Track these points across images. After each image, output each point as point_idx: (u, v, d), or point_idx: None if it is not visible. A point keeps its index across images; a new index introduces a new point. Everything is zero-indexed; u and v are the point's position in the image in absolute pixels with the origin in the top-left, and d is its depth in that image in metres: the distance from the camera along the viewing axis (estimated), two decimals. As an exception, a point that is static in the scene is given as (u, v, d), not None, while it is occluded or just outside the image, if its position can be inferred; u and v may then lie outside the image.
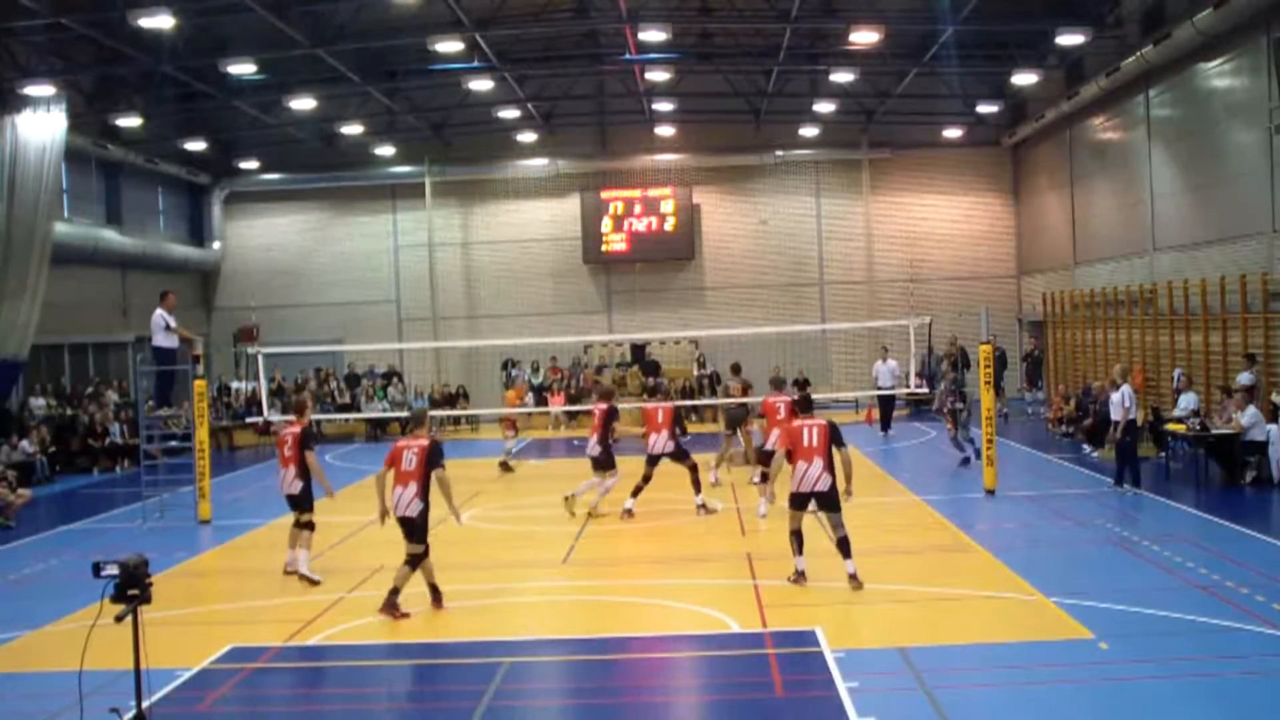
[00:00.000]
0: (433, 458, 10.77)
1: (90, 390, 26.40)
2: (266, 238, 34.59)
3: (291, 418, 13.96)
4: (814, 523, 12.53)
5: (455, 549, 14.89)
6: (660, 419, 16.04)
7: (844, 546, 11.33)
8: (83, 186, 28.06)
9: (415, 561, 10.84)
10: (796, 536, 11.54)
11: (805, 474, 11.34)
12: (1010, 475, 17.69)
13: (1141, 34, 22.28)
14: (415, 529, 10.80)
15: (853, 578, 11.22)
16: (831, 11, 23.48)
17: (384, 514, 10.95)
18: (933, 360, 26.47)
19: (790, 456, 11.59)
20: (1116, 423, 16.52)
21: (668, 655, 9.75)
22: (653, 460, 16.06)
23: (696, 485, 16.17)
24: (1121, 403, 16.38)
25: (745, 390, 20.34)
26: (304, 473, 12.62)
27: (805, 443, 11.36)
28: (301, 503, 12.62)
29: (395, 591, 10.76)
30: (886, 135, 32.65)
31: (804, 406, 12.11)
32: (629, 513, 15.76)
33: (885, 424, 26.12)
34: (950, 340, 27.77)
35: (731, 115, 31.46)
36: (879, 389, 26.33)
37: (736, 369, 22.02)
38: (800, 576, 11.51)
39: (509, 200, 33.98)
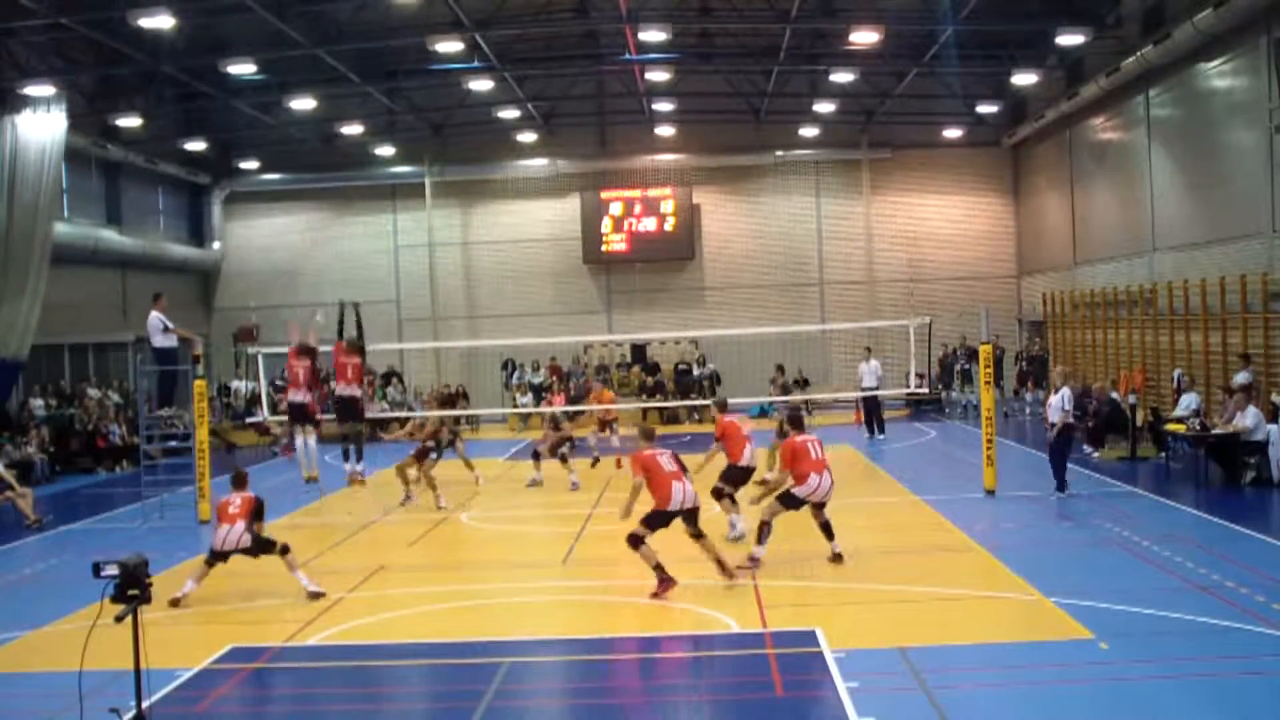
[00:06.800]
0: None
1: (69, 392, 26.24)
2: (266, 238, 34.58)
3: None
4: (805, 526, 12.55)
5: (455, 549, 14.97)
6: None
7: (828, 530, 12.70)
8: (83, 186, 28.04)
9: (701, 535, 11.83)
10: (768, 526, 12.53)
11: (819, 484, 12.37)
12: (1010, 475, 17.67)
13: (1141, 34, 22.26)
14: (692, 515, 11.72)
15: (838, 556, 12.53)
16: (831, 11, 23.48)
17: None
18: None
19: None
20: (1053, 424, 16.40)
21: (668, 655, 9.75)
22: None
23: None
24: (1060, 405, 16.31)
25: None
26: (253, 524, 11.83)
27: (813, 456, 12.47)
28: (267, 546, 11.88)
29: (721, 563, 11.65)
30: (886, 135, 32.64)
31: (797, 424, 13.19)
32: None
33: (870, 426, 25.06)
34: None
35: (731, 115, 31.46)
36: (863, 389, 25.38)
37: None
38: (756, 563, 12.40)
39: (509, 200, 33.98)
